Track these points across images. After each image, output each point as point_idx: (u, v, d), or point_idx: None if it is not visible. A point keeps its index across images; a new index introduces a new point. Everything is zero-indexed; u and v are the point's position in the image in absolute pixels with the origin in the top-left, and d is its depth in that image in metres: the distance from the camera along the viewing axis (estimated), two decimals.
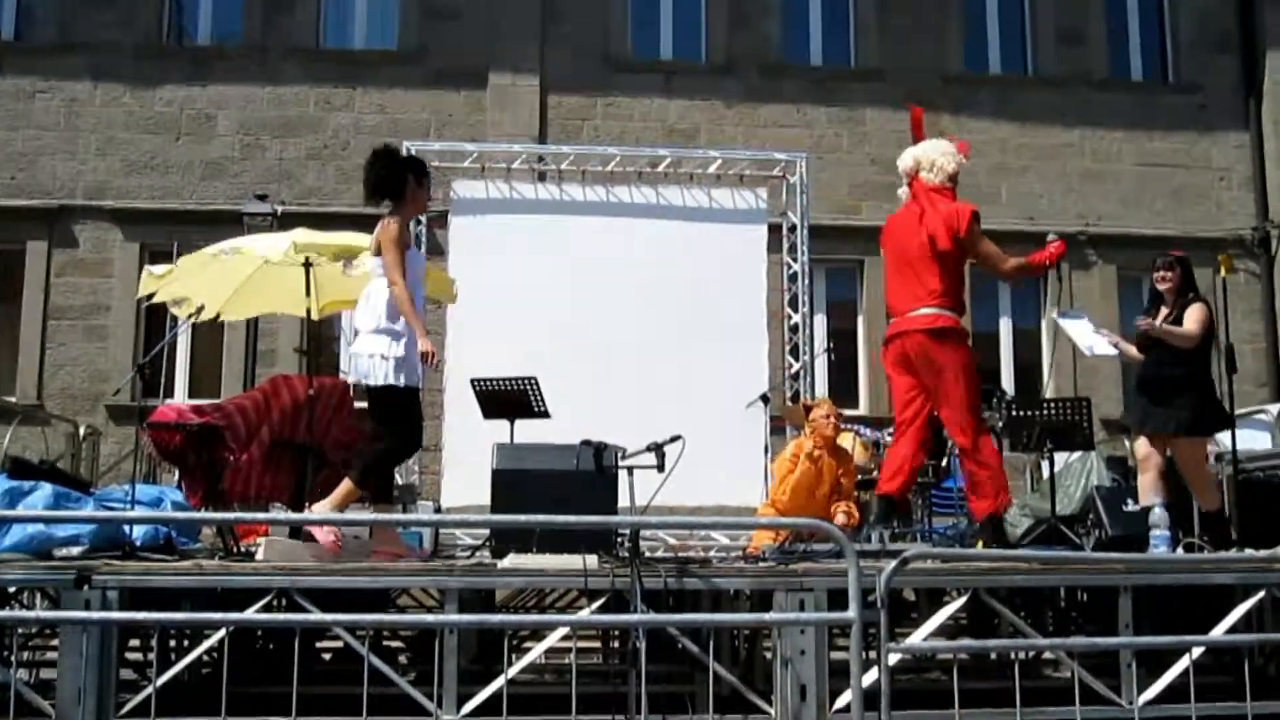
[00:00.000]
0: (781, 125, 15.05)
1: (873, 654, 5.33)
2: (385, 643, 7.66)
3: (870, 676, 5.14)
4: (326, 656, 7.61)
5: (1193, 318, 7.47)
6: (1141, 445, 7.60)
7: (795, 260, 12.01)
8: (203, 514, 7.22)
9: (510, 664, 5.71)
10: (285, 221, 12.41)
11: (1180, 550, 7.06)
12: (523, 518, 5.75)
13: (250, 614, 5.56)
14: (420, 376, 6.64)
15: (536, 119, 14.74)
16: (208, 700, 5.59)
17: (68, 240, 14.33)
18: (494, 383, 8.92)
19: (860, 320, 15.01)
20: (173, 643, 7.05)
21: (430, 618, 7.01)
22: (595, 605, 5.77)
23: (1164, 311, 7.64)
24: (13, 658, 6.34)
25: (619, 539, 6.65)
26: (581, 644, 6.48)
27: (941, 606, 6.39)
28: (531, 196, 11.70)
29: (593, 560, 5.85)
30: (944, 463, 9.57)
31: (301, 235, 8.22)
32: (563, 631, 6.24)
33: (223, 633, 5.70)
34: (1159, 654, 5.96)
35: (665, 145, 13.34)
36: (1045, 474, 9.33)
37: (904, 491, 7.27)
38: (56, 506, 6.30)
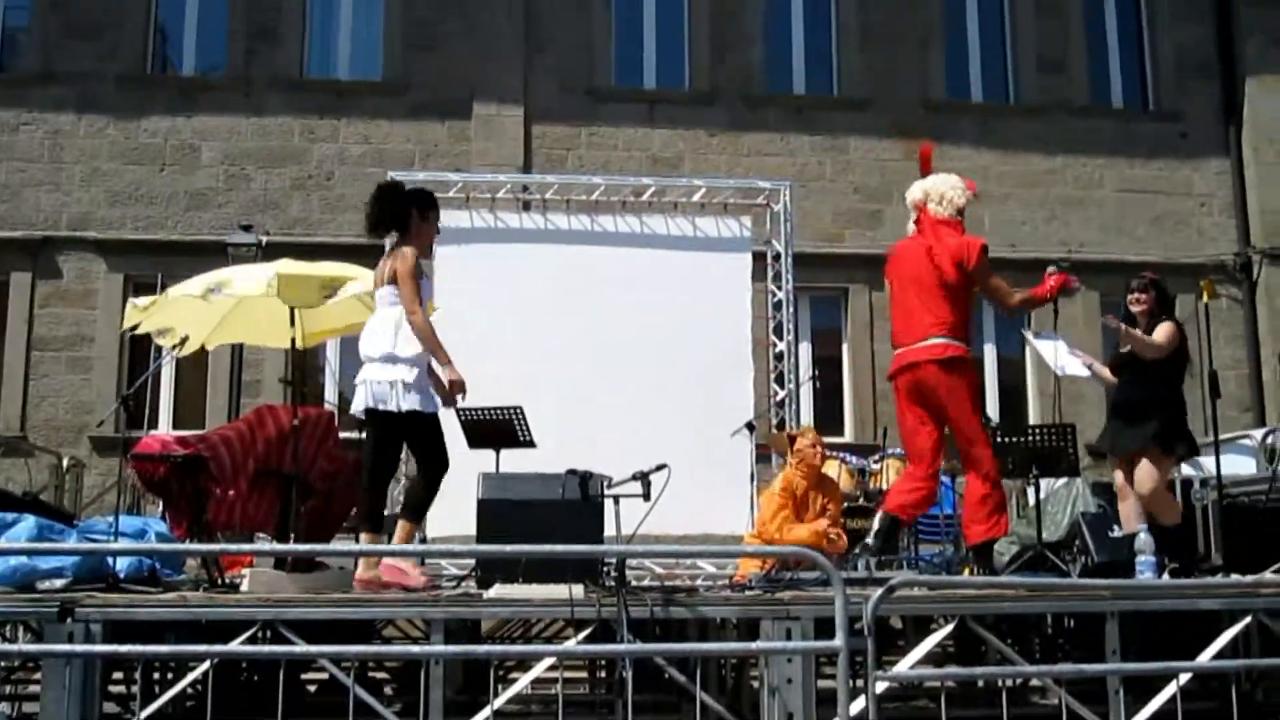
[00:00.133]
0: (765, 154, 15.12)
1: (860, 682, 5.33)
2: (371, 674, 7.63)
3: (858, 705, 5.13)
4: (312, 688, 7.56)
5: (1162, 331, 7.45)
6: (1118, 476, 7.60)
7: (779, 288, 12.02)
8: (187, 545, 7.16)
9: (496, 694, 5.70)
10: (270, 252, 12.39)
11: (1166, 576, 7.07)
12: (508, 548, 5.72)
13: (235, 646, 5.52)
14: (438, 403, 6.65)
15: (521, 149, 14.79)
16: None
17: (52, 271, 14.29)
18: (479, 412, 8.89)
19: (845, 347, 15.03)
20: (157, 675, 7.00)
21: (416, 649, 6.95)
22: (582, 635, 5.74)
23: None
24: None
25: (605, 568, 6.62)
26: (568, 674, 6.44)
27: (929, 634, 6.37)
28: (516, 226, 11.67)
29: (579, 590, 5.83)
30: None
31: (286, 266, 8.20)
32: (549, 661, 6.19)
33: (207, 665, 5.67)
34: (1146, 680, 5.95)
35: (649, 174, 13.32)
36: (1031, 500, 9.34)
37: (915, 512, 7.25)
38: (40, 539, 6.26)
